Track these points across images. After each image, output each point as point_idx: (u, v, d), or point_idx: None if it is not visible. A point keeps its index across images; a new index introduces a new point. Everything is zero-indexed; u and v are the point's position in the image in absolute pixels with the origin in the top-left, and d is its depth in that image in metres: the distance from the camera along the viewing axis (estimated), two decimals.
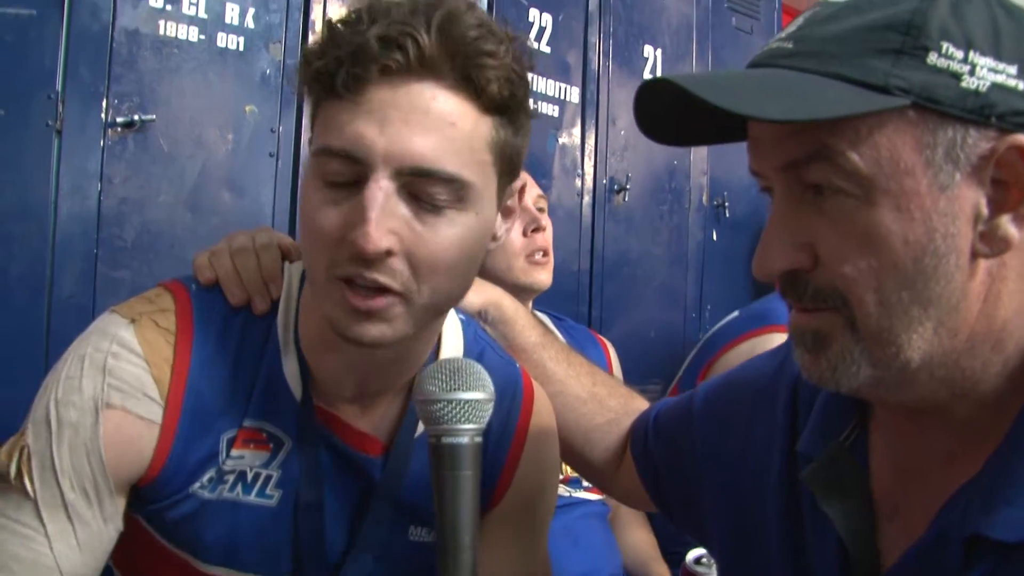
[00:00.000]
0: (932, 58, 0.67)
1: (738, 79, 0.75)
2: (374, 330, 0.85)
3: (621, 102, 2.51)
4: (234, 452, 0.94)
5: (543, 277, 1.87)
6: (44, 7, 1.60)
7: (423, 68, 0.82)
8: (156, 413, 0.89)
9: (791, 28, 0.74)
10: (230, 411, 0.93)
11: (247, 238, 1.01)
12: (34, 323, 1.58)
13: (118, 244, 1.67)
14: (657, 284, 2.62)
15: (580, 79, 2.43)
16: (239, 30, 1.81)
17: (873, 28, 0.69)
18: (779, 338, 2.06)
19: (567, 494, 1.88)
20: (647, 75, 2.60)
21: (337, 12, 1.94)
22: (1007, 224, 0.69)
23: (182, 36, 1.73)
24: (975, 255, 0.70)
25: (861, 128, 0.68)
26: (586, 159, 2.43)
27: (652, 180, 2.58)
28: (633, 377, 2.36)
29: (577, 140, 2.41)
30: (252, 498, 0.95)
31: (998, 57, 0.68)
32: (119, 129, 1.66)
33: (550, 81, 2.34)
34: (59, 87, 1.60)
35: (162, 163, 1.72)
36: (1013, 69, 0.68)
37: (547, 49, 2.34)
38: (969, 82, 0.67)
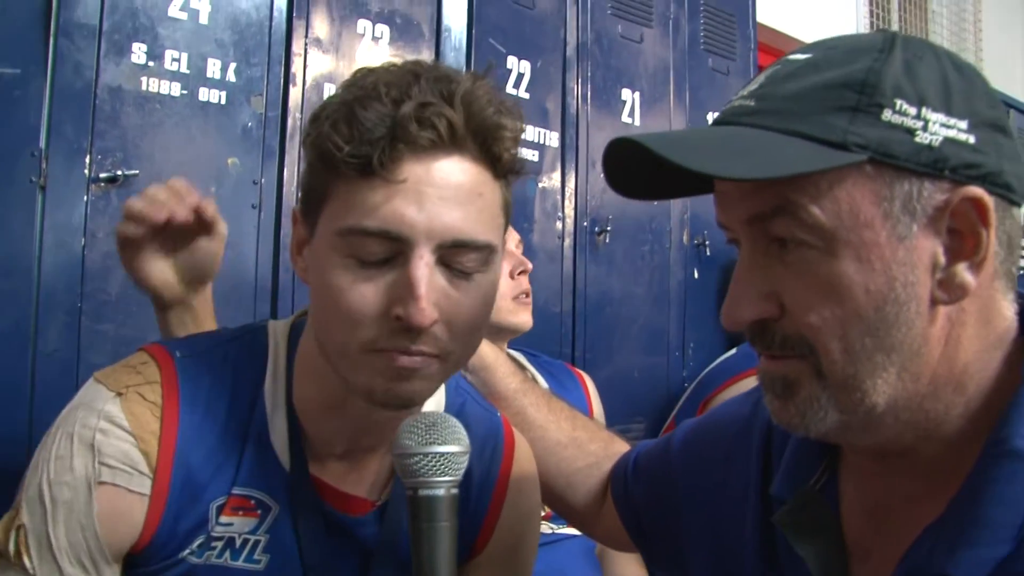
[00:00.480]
0: (887, 115, 0.70)
1: (702, 138, 0.78)
2: (411, 388, 0.89)
3: (600, 145, 2.52)
4: (223, 519, 0.94)
5: (528, 318, 1.93)
6: (28, 65, 1.62)
7: (452, 144, 0.86)
8: (146, 486, 0.90)
9: (753, 86, 0.77)
10: (219, 479, 0.94)
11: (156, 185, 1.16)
12: (19, 377, 1.58)
13: (102, 298, 1.67)
14: (640, 323, 2.63)
15: (559, 124, 2.45)
16: (221, 84, 1.83)
17: (830, 86, 0.72)
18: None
19: (550, 531, 1.88)
20: (626, 118, 2.64)
21: (319, 64, 1.97)
22: (963, 272, 0.72)
23: (164, 91, 1.75)
24: (934, 302, 0.73)
25: (821, 183, 0.71)
26: (566, 202, 2.45)
27: (632, 221, 2.61)
28: (617, 417, 2.37)
29: (557, 184, 2.44)
30: (240, 563, 0.96)
31: (949, 113, 0.71)
32: (103, 184, 1.67)
33: (529, 127, 2.37)
34: (43, 144, 1.61)
35: None
36: (964, 124, 0.71)
37: (526, 95, 2.37)
38: (923, 137, 0.70)
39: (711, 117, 2.88)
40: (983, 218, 0.71)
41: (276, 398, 0.98)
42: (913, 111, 0.70)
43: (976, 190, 0.70)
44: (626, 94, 2.64)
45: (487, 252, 0.89)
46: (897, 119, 0.70)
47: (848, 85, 0.71)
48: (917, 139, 0.70)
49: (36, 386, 1.60)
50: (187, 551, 0.93)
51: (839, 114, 0.70)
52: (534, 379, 1.99)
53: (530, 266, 1.95)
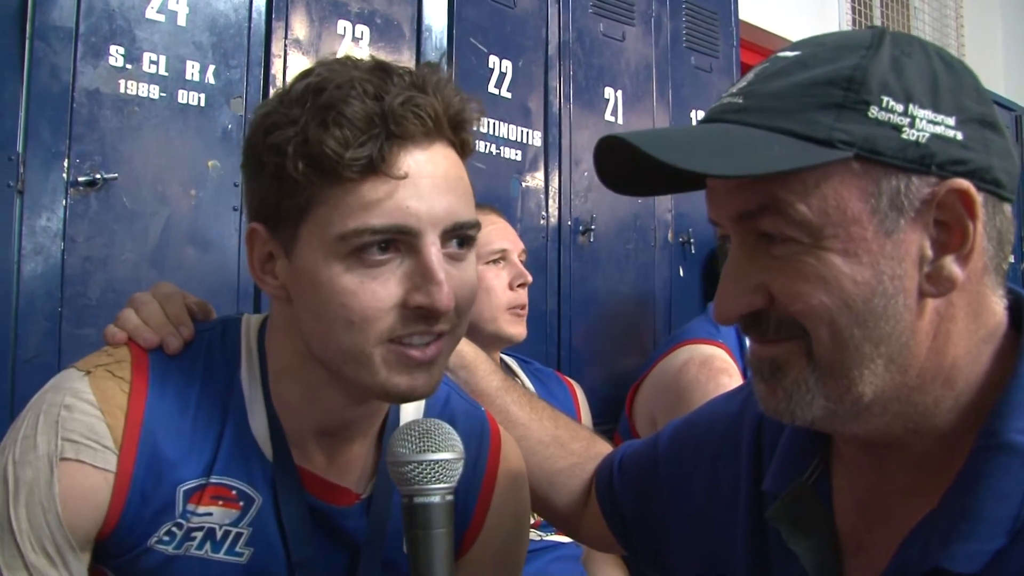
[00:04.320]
0: (873, 112, 0.70)
1: (690, 135, 0.78)
2: (425, 380, 0.90)
3: (583, 144, 2.54)
4: (201, 509, 0.93)
5: (523, 330, 1.95)
6: (4, 69, 1.60)
7: (435, 132, 0.88)
8: (111, 462, 0.89)
9: (742, 83, 0.77)
10: (189, 462, 0.93)
11: (147, 294, 1.04)
12: None
13: (82, 302, 1.66)
14: (625, 322, 2.63)
15: (542, 123, 2.45)
16: (200, 86, 1.81)
17: (817, 83, 0.72)
18: (685, 352, 2.11)
19: (538, 538, 1.88)
20: (608, 117, 2.63)
21: (299, 66, 1.96)
22: (951, 264, 0.72)
23: (143, 94, 1.73)
24: (922, 295, 0.73)
25: (808, 180, 0.71)
26: (550, 201, 2.44)
27: (617, 219, 2.60)
28: (604, 416, 2.37)
29: (541, 183, 2.43)
30: (222, 556, 0.95)
31: (936, 109, 0.71)
32: (81, 188, 1.65)
33: (512, 126, 2.35)
34: (20, 148, 1.59)
35: (125, 221, 1.70)
36: (951, 120, 0.71)
37: (508, 95, 2.36)
38: (909, 134, 0.70)
39: (694, 115, 2.89)
40: (969, 210, 0.71)
41: (254, 391, 0.97)
42: (900, 108, 0.70)
43: (962, 182, 0.71)
44: (609, 92, 2.64)
45: (476, 229, 0.92)
46: (884, 116, 0.70)
47: (834, 82, 0.71)
48: (904, 136, 0.70)
49: (16, 392, 1.57)
50: (155, 538, 0.92)
51: (826, 111, 0.70)
52: (524, 386, 2.00)
53: (530, 279, 1.95)
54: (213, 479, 0.94)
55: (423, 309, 0.86)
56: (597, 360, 2.55)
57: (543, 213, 2.43)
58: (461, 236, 0.90)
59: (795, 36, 4.57)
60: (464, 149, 0.94)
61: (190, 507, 0.93)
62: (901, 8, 5.83)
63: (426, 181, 0.86)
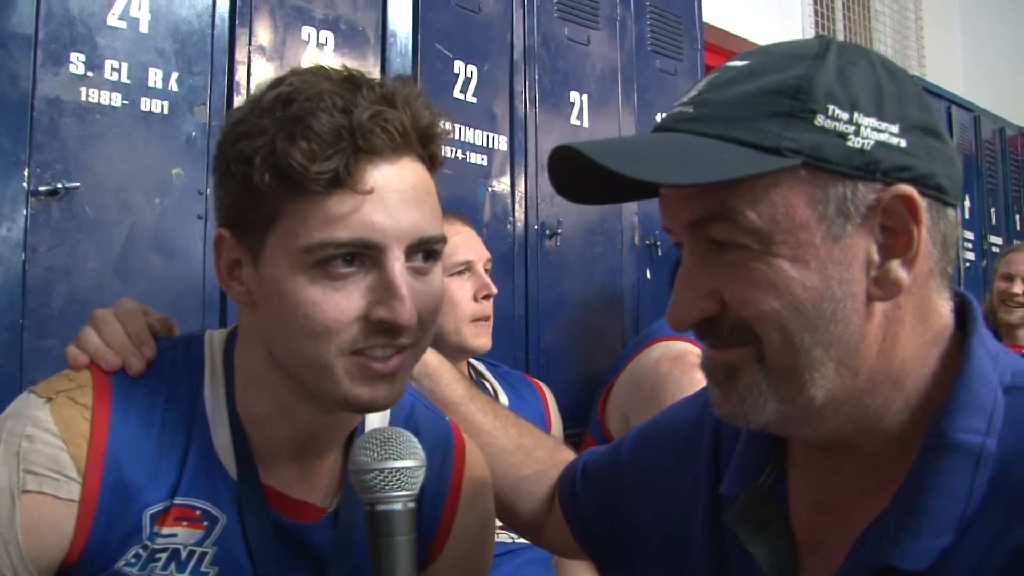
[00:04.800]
0: (819, 120, 0.71)
1: (642, 145, 0.80)
2: (392, 391, 0.91)
3: (549, 148, 2.51)
4: (165, 530, 0.93)
5: (488, 341, 1.96)
6: None
7: (403, 147, 0.88)
8: (75, 491, 0.89)
9: (693, 92, 0.79)
10: (154, 485, 0.93)
11: (109, 313, 1.02)
12: None
13: (45, 313, 1.64)
14: (594, 325, 2.64)
15: (507, 127, 2.45)
16: (163, 94, 1.80)
17: (765, 93, 0.73)
18: (658, 349, 2.13)
19: (510, 540, 1.88)
20: (574, 120, 2.64)
21: (263, 72, 1.95)
22: (897, 268, 0.74)
23: (104, 102, 1.72)
24: (870, 299, 0.74)
25: (757, 188, 0.72)
26: (516, 206, 2.45)
27: (584, 223, 2.61)
28: (574, 419, 2.38)
29: (507, 187, 2.43)
30: None
31: (881, 117, 0.72)
32: (42, 198, 1.63)
33: (477, 131, 2.36)
34: None
35: (88, 230, 1.69)
36: (895, 128, 0.72)
37: (473, 99, 2.36)
38: (855, 141, 0.71)
39: (659, 117, 2.88)
40: (914, 215, 0.73)
41: (217, 407, 0.97)
42: (845, 116, 0.72)
43: (906, 188, 0.72)
44: (574, 96, 2.65)
45: (442, 243, 0.93)
46: (830, 124, 0.71)
47: (782, 91, 0.73)
48: (849, 143, 0.71)
49: None
50: (122, 562, 0.92)
51: (773, 120, 0.72)
52: (494, 390, 2.00)
53: (495, 291, 1.96)
54: (177, 500, 0.93)
55: (385, 323, 0.86)
56: (566, 363, 2.56)
57: (510, 218, 2.43)
58: (427, 250, 0.91)
59: (759, 39, 4.62)
60: (433, 163, 0.94)
61: (155, 529, 0.92)
62: (862, 11, 5.90)
63: (392, 195, 0.86)
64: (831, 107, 0.72)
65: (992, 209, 4.87)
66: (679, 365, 2.07)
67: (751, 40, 4.60)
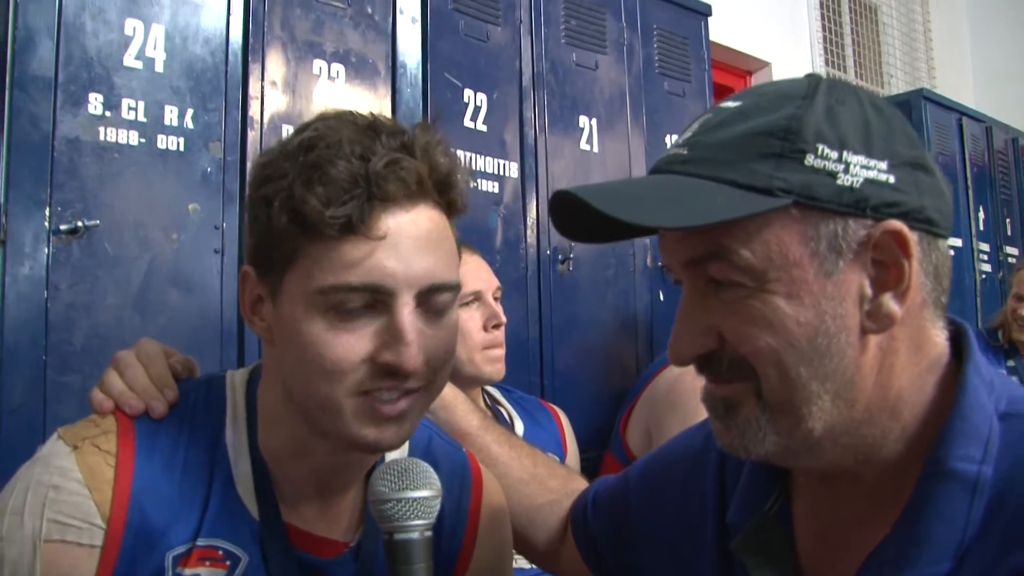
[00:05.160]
0: (809, 159, 0.74)
1: (639, 188, 0.82)
2: (399, 432, 0.93)
3: (560, 173, 2.58)
4: (188, 571, 0.94)
5: (500, 368, 1.95)
6: None
7: (418, 195, 0.90)
8: (98, 537, 0.91)
9: (688, 134, 0.81)
10: (176, 527, 0.94)
11: (131, 355, 1.05)
12: None
13: (67, 349, 1.68)
14: (607, 348, 2.65)
15: (518, 154, 2.48)
16: (179, 131, 1.84)
17: (756, 134, 0.75)
18: (676, 370, 2.16)
19: (529, 567, 1.89)
20: (584, 145, 2.67)
21: (276, 107, 1.99)
22: (890, 301, 0.76)
23: (122, 140, 1.76)
24: (864, 332, 0.76)
25: (750, 227, 0.74)
26: (528, 231, 2.47)
27: (595, 247, 2.61)
28: (591, 442, 2.39)
29: (519, 214, 2.46)
30: None
31: (869, 155, 0.74)
32: (63, 236, 1.68)
33: (488, 158, 2.39)
34: (1, 198, 1.62)
35: (108, 267, 1.73)
36: (884, 165, 0.74)
37: (483, 127, 2.39)
38: (844, 179, 0.73)
39: (669, 139, 2.93)
40: (904, 250, 0.75)
41: (239, 447, 0.99)
42: (835, 155, 0.74)
43: (896, 223, 0.74)
44: (583, 121, 2.68)
45: (455, 290, 0.94)
46: (819, 163, 0.74)
47: (772, 133, 0.75)
48: (839, 181, 0.73)
49: (2, 441, 1.59)
50: None
51: (764, 161, 0.74)
52: (509, 416, 2.02)
53: (504, 319, 1.97)
54: (200, 541, 0.95)
55: (391, 366, 0.88)
56: (581, 386, 2.57)
57: (522, 243, 2.46)
58: (440, 296, 0.92)
59: (768, 55, 4.64)
60: (452, 209, 0.95)
61: (178, 570, 0.94)
62: (870, 24, 5.91)
63: (406, 242, 0.88)
64: (820, 146, 0.74)
65: (1007, 219, 4.84)
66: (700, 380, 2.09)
67: (760, 57, 4.63)
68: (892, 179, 0.75)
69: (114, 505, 0.91)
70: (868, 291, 0.76)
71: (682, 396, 2.10)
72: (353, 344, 0.88)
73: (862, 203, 0.74)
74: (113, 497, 0.91)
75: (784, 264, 0.74)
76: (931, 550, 0.74)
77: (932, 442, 0.77)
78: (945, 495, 0.74)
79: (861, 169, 0.74)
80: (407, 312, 0.88)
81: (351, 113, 0.94)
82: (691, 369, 2.16)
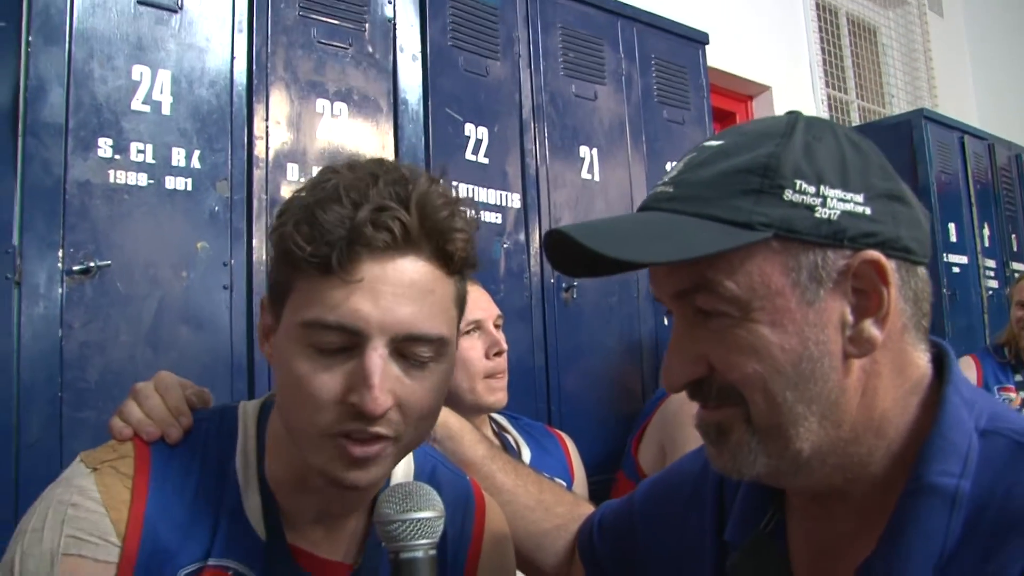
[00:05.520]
0: (788, 194, 0.77)
1: (627, 225, 0.86)
2: (365, 475, 0.95)
3: (562, 203, 2.61)
4: None
5: (502, 396, 1.97)
6: None
7: (406, 244, 0.92)
8: (113, 554, 0.94)
9: (673, 172, 0.85)
10: (187, 548, 0.98)
11: (149, 386, 1.09)
12: (3, 469, 1.61)
13: (82, 386, 1.72)
14: (613, 374, 2.68)
15: (520, 185, 2.51)
16: (186, 171, 1.88)
17: (737, 172, 0.79)
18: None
19: None
20: (585, 174, 2.71)
21: (281, 145, 2.04)
22: (870, 327, 0.79)
23: (131, 182, 1.81)
24: (847, 356, 0.79)
25: (734, 260, 0.78)
26: (532, 260, 2.50)
27: None
28: (598, 467, 2.41)
29: (522, 243, 2.50)
30: None
31: (846, 188, 0.78)
32: (76, 276, 1.72)
33: (491, 190, 2.43)
34: (16, 241, 1.66)
35: (120, 305, 1.77)
36: (860, 197, 0.78)
37: (485, 160, 2.43)
38: (822, 212, 0.77)
39: (669, 166, 2.96)
40: (882, 278, 0.78)
41: (248, 474, 1.03)
42: (812, 189, 0.77)
43: (873, 253, 0.78)
44: (584, 151, 2.72)
45: (439, 344, 0.95)
46: (797, 198, 0.77)
47: (752, 170, 0.79)
48: (817, 214, 0.77)
49: (20, 477, 1.63)
50: None
51: (745, 197, 0.78)
52: (516, 443, 2.04)
53: (505, 347, 1.99)
54: (211, 562, 0.99)
55: (356, 408, 0.91)
56: (588, 412, 2.59)
57: (526, 273, 2.49)
58: (420, 348, 0.94)
59: (769, 80, 4.68)
60: (451, 264, 0.96)
61: None
62: (869, 46, 5.96)
63: (385, 288, 0.91)
64: (798, 182, 0.77)
65: (1013, 235, 4.86)
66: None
67: (760, 82, 4.67)
68: (868, 211, 0.78)
69: (129, 525, 0.95)
70: (849, 318, 0.79)
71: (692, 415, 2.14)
72: (327, 382, 0.91)
73: (840, 234, 0.77)
74: (129, 517, 0.96)
75: (767, 294, 0.78)
76: (912, 563, 0.77)
77: (913, 459, 0.80)
78: (925, 509, 0.77)
79: (838, 202, 0.77)
80: (376, 356, 0.91)
81: (367, 161, 0.97)
82: None
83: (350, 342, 0.91)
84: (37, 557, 0.93)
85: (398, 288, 0.92)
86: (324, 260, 0.89)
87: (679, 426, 2.22)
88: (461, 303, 1.01)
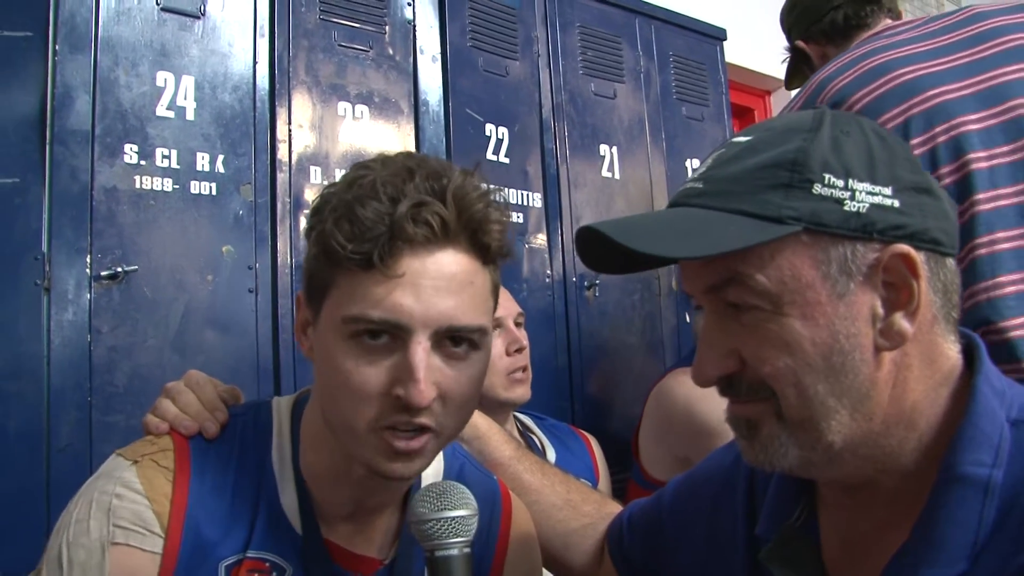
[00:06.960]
0: (817, 188, 0.78)
1: (658, 222, 0.86)
2: (409, 467, 0.96)
3: (583, 201, 2.62)
4: None
5: (525, 391, 1.98)
6: (26, 174, 1.70)
7: (444, 238, 0.93)
8: (157, 545, 0.96)
9: (702, 168, 0.86)
10: (228, 540, 1.00)
11: (181, 384, 1.11)
12: (34, 474, 1.63)
13: (110, 390, 1.73)
14: (636, 372, 2.68)
15: (541, 184, 2.52)
16: (211, 176, 1.90)
17: (766, 167, 0.80)
18: (681, 377, 2.16)
19: None
20: (605, 172, 2.71)
21: (304, 148, 2.05)
22: (901, 320, 0.79)
23: (157, 188, 1.83)
24: (878, 349, 0.80)
25: (764, 254, 0.78)
26: (554, 259, 2.51)
27: None
28: (622, 466, 2.41)
29: (544, 242, 2.50)
30: None
31: (874, 181, 0.78)
32: (104, 282, 1.74)
33: (512, 190, 2.44)
34: (45, 248, 1.68)
35: (147, 309, 1.79)
36: (888, 190, 0.78)
37: (506, 160, 2.44)
38: (851, 206, 0.77)
39: (689, 164, 2.97)
40: (912, 271, 0.78)
41: (284, 468, 1.05)
42: (840, 183, 0.78)
43: (903, 247, 0.78)
44: (604, 149, 2.72)
45: (479, 334, 0.96)
46: (826, 191, 0.78)
47: (780, 165, 0.79)
48: (846, 208, 0.77)
49: (51, 481, 1.65)
50: None
51: (775, 191, 0.78)
52: (541, 444, 2.05)
53: (526, 343, 2.00)
54: (250, 553, 1.00)
55: (401, 400, 0.92)
56: (612, 410, 2.60)
57: (548, 272, 2.50)
58: (462, 339, 0.95)
59: (783, 74, 4.63)
60: (487, 254, 0.97)
61: None
62: None
63: (427, 282, 0.92)
64: (827, 176, 0.78)
65: None
66: (678, 377, 2.12)
67: (778, 77, 4.63)
68: (897, 203, 0.78)
69: (172, 517, 0.97)
70: (880, 311, 0.79)
71: (663, 398, 2.13)
72: (371, 376, 0.92)
73: (869, 227, 0.77)
74: (171, 510, 0.97)
75: (798, 287, 0.78)
76: (947, 553, 0.77)
77: (945, 450, 0.80)
78: (958, 499, 0.77)
79: (867, 195, 0.78)
80: (420, 350, 0.92)
81: (402, 155, 0.98)
82: (670, 378, 2.17)
83: (394, 336, 0.92)
84: (86, 547, 0.95)
85: (439, 281, 0.93)
86: (366, 257, 0.90)
87: (669, 408, 2.16)
88: (496, 292, 1.03)
